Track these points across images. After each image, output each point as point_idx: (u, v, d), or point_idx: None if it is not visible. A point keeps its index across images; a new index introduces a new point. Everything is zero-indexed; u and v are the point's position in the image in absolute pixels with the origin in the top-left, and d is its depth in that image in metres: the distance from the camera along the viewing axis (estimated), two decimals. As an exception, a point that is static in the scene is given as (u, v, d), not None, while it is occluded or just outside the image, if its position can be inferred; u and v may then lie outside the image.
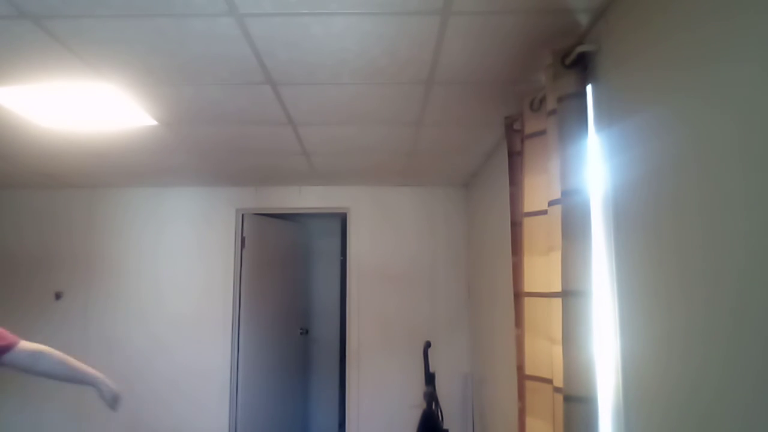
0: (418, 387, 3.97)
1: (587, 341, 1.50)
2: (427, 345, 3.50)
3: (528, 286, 1.98)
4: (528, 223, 2.00)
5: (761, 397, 0.92)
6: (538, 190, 1.94)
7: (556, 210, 1.69)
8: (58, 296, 4.14)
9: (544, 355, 1.86)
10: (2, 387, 4.06)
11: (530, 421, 1.92)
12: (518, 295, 2.11)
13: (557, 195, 1.69)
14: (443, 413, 3.60)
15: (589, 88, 1.67)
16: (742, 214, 0.97)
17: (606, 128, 1.57)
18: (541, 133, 1.95)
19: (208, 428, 3.99)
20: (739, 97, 0.98)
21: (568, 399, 1.51)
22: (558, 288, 1.70)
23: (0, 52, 1.82)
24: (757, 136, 0.93)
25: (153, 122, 2.58)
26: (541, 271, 1.90)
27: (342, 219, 5.49)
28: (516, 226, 2.18)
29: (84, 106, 2.32)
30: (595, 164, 1.63)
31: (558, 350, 1.66)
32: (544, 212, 1.90)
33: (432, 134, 2.84)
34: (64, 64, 1.91)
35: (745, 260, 0.96)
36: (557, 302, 1.70)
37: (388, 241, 4.18)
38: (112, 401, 1.96)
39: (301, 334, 5.09)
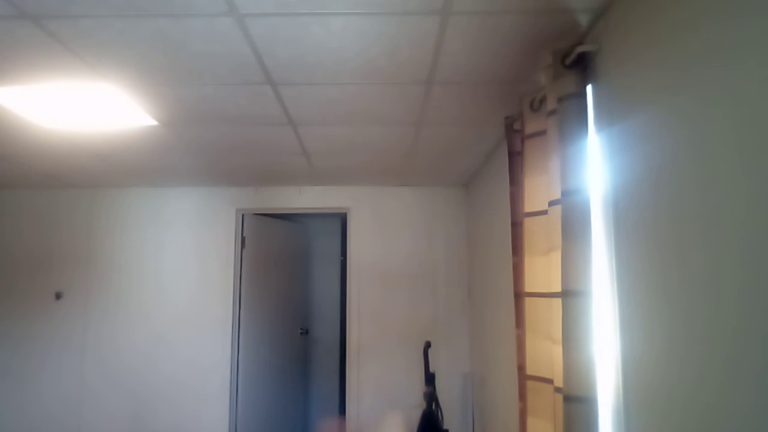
0: (418, 387, 3.98)
1: (587, 341, 1.50)
2: (427, 345, 3.50)
3: (528, 286, 1.98)
4: (528, 224, 2.00)
5: (761, 397, 0.92)
6: (539, 190, 1.94)
7: (557, 210, 1.69)
8: (58, 296, 4.14)
9: (545, 355, 1.86)
10: (1, 378, 4.06)
11: (531, 422, 1.92)
12: (519, 295, 2.11)
13: (557, 195, 1.69)
14: (443, 413, 3.60)
15: (589, 88, 1.67)
16: (741, 214, 0.97)
17: (606, 128, 1.57)
18: (541, 133, 1.95)
19: (209, 427, 3.99)
20: (738, 97, 0.98)
21: (568, 399, 1.51)
22: (558, 288, 1.70)
23: (0, 52, 1.82)
24: (757, 136, 0.93)
25: (153, 122, 2.58)
26: (542, 272, 1.90)
27: (342, 219, 5.49)
28: (516, 226, 2.18)
29: (84, 106, 2.32)
30: (595, 164, 1.63)
31: (558, 350, 1.66)
32: (545, 212, 1.90)
33: (432, 134, 2.84)
34: (64, 64, 1.91)
35: (745, 260, 0.96)
36: (557, 302, 1.70)
37: (388, 241, 4.18)
38: None
39: (301, 334, 5.09)
